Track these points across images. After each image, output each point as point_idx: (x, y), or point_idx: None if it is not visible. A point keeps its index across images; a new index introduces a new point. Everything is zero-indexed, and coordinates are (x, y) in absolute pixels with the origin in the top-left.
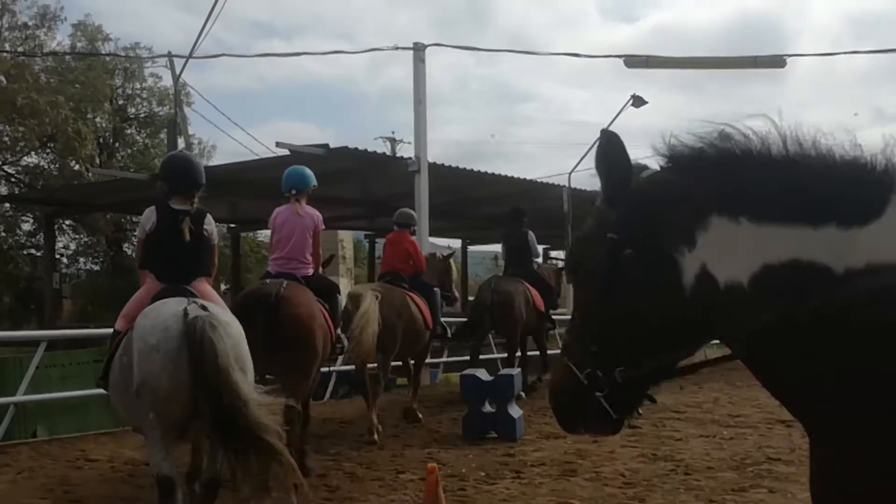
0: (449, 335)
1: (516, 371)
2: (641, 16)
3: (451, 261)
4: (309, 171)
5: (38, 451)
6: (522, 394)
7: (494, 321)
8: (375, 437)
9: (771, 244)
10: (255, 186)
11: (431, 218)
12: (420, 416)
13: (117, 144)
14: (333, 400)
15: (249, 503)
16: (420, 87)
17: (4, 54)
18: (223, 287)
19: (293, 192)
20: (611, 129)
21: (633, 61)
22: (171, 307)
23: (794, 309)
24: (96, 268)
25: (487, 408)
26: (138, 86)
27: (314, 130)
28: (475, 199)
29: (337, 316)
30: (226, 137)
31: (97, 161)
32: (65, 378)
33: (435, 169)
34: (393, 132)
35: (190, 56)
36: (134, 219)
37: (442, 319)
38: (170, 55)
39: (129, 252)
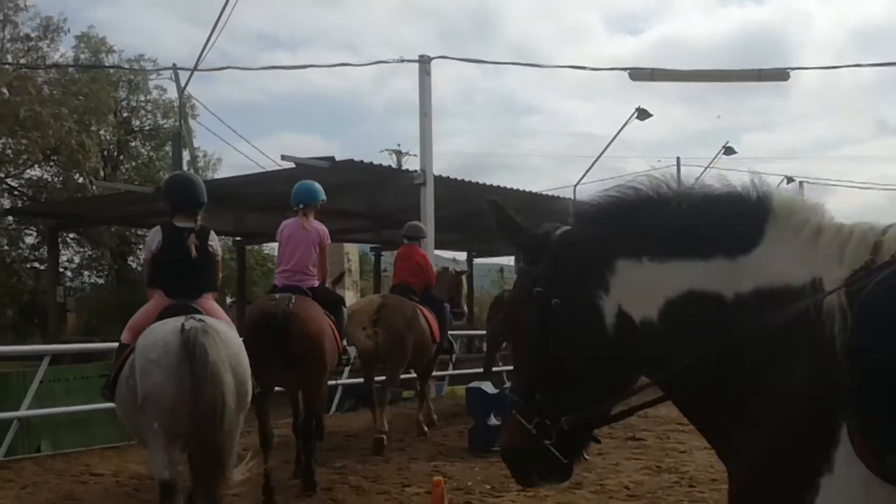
0: (455, 350)
1: None
2: (646, 28)
3: (463, 277)
4: (318, 186)
5: (42, 466)
6: None
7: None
8: (383, 437)
9: (670, 279)
10: (261, 200)
11: (437, 230)
12: (426, 429)
13: (121, 157)
14: (339, 413)
15: None
16: (426, 100)
17: (7, 66)
18: (228, 300)
19: (301, 206)
20: (495, 200)
21: (637, 74)
22: (170, 325)
23: (697, 352)
24: (101, 281)
25: (493, 421)
26: (143, 98)
27: (320, 143)
28: (481, 212)
29: (343, 328)
30: (231, 150)
31: (101, 174)
32: (69, 392)
33: (441, 181)
34: (399, 144)
35: (195, 68)
36: (139, 232)
37: (449, 334)
38: (175, 67)
39: (134, 265)
